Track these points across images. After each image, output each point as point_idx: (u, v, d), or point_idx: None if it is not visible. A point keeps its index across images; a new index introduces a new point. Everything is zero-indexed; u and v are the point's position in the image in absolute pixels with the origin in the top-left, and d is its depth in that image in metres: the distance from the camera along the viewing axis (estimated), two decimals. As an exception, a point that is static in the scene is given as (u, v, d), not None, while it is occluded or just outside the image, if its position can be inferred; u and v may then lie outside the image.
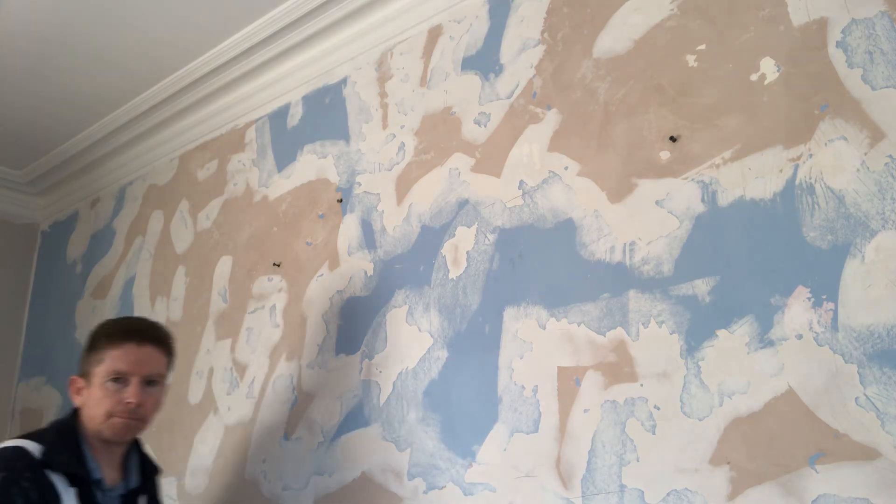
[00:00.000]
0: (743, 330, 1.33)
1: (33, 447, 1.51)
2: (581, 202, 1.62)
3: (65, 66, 2.64)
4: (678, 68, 1.53)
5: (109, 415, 1.56)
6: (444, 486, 1.68)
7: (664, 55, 1.56)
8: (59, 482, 1.48)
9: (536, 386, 1.59)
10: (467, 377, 1.72)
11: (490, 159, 1.83)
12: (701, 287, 1.40)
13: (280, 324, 2.23)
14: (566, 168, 1.67)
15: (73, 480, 1.50)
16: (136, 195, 3.06)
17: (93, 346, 1.64)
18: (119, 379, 1.57)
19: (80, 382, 1.63)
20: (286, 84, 2.48)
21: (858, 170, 1.26)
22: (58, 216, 3.52)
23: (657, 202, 1.50)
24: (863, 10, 1.31)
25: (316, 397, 2.03)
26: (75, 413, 1.63)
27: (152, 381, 1.62)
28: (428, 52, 2.08)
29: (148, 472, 1.72)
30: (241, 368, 2.30)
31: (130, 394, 1.57)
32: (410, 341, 1.86)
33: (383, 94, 2.16)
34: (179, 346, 2.58)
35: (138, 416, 1.59)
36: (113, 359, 1.59)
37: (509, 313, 1.68)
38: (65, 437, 1.57)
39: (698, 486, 1.32)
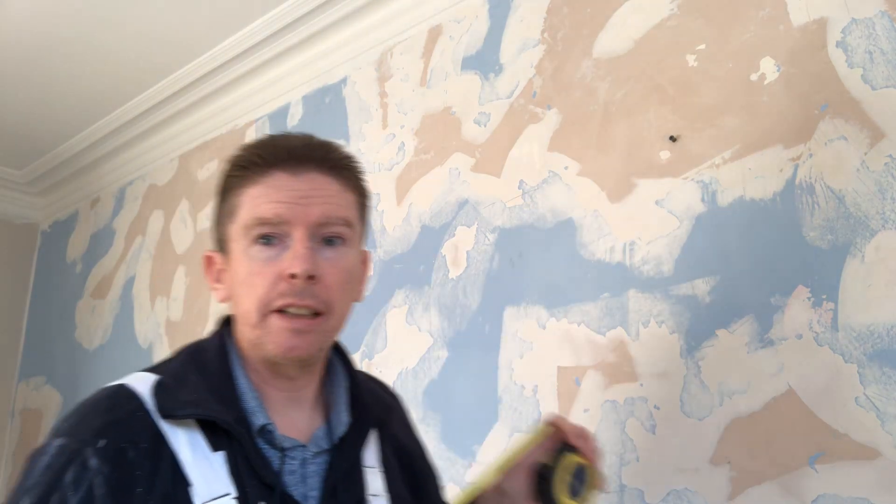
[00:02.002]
0: (743, 330, 1.33)
1: (145, 384, 0.84)
2: (581, 202, 1.62)
3: (65, 66, 2.64)
4: (678, 68, 1.53)
5: (265, 306, 0.85)
6: (444, 486, 1.68)
7: (664, 55, 1.56)
8: (185, 445, 0.80)
9: (536, 386, 1.59)
10: (467, 377, 1.72)
11: (490, 159, 1.83)
12: (701, 287, 1.40)
13: (280, 324, 2.22)
14: (566, 168, 1.67)
15: (220, 438, 0.82)
16: (136, 195, 3.06)
17: (223, 190, 0.92)
18: (270, 237, 0.86)
19: (218, 260, 0.93)
20: (286, 84, 2.48)
21: (858, 170, 1.26)
22: (58, 216, 3.52)
23: (657, 202, 1.50)
24: (863, 10, 1.31)
25: (316, 397, 2.03)
26: (226, 322, 0.94)
27: (333, 238, 0.88)
28: (428, 51, 2.08)
29: (370, 412, 0.95)
30: (241, 368, 2.30)
31: (294, 259, 0.84)
32: (410, 341, 1.86)
33: (383, 94, 2.16)
34: (179, 346, 2.58)
35: (316, 305, 0.85)
36: (254, 200, 0.87)
37: (509, 313, 1.68)
38: (202, 359, 0.89)
39: (698, 486, 1.32)
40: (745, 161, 1.39)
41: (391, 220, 2.01)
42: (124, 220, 3.08)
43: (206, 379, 0.86)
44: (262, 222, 0.85)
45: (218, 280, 0.93)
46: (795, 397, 1.24)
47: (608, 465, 1.44)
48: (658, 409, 1.40)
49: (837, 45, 1.32)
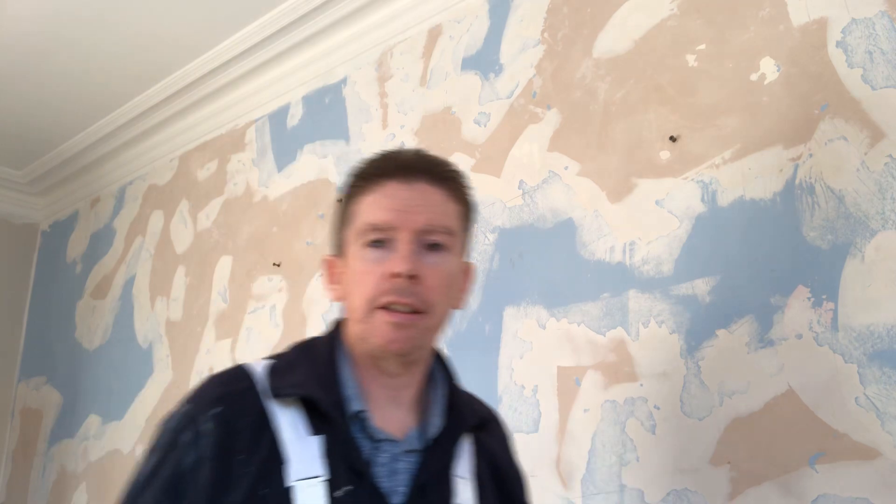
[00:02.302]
0: (743, 330, 1.33)
1: (260, 366, 0.96)
2: (581, 202, 1.62)
3: (65, 66, 2.64)
4: (678, 68, 1.53)
5: (371, 302, 0.93)
6: None
7: (664, 55, 1.56)
8: (287, 425, 0.89)
9: (536, 386, 1.59)
10: (467, 377, 1.72)
11: (490, 159, 1.83)
12: (701, 287, 1.40)
13: (280, 324, 2.22)
14: (566, 168, 1.67)
15: (319, 423, 0.91)
16: (136, 195, 3.06)
17: (344, 198, 1.03)
18: (380, 242, 0.95)
19: (336, 263, 1.02)
20: (286, 84, 2.48)
21: (858, 170, 1.26)
22: (58, 216, 3.51)
23: (657, 202, 1.50)
24: (863, 10, 1.31)
25: (316, 397, 2.03)
26: (337, 324, 1.03)
27: (436, 245, 0.96)
28: (428, 51, 2.08)
29: (464, 420, 1.01)
30: (241, 368, 2.30)
31: (398, 259, 0.93)
32: (410, 341, 1.86)
33: (383, 94, 2.16)
34: (179, 346, 2.59)
35: (416, 304, 0.93)
36: (368, 207, 0.97)
37: (509, 313, 1.68)
38: (313, 351, 0.99)
39: (698, 486, 1.31)
40: (745, 161, 1.39)
41: (391, 220, 2.01)
42: (124, 220, 3.08)
43: (312, 367, 0.96)
44: (374, 227, 0.95)
45: (336, 281, 1.02)
46: (795, 397, 1.24)
47: (608, 464, 1.44)
48: (658, 409, 1.40)
49: (837, 45, 1.32)
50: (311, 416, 0.91)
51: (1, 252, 3.48)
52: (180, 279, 2.68)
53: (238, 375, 0.94)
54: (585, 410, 1.50)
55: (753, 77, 1.42)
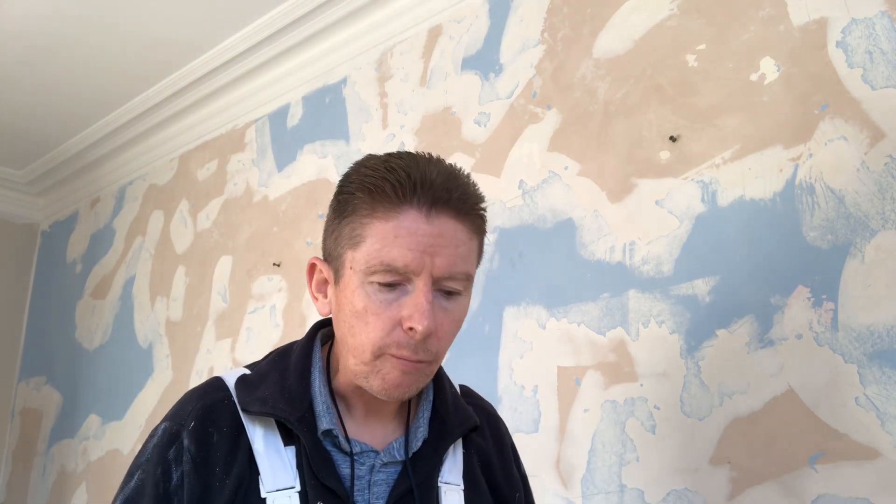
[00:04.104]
0: (743, 330, 1.33)
1: (233, 377, 0.91)
2: (581, 202, 1.62)
3: (65, 66, 2.64)
4: (678, 68, 1.53)
5: (379, 350, 0.84)
6: None
7: (664, 55, 1.56)
8: (259, 438, 0.86)
9: (536, 386, 1.59)
10: (467, 377, 1.72)
11: (490, 159, 1.83)
12: (701, 287, 1.40)
13: (280, 324, 2.22)
14: (566, 168, 1.67)
15: (291, 434, 0.87)
16: (136, 195, 3.06)
17: (345, 208, 0.86)
18: (394, 284, 0.83)
19: (326, 272, 0.90)
20: (286, 84, 2.48)
21: (858, 170, 1.26)
22: (58, 216, 3.52)
23: (657, 202, 1.50)
24: (863, 10, 1.31)
25: (316, 397, 2.03)
26: (316, 329, 0.97)
27: (453, 292, 0.86)
28: (428, 51, 2.08)
29: (450, 429, 0.94)
30: (241, 368, 2.30)
31: (416, 313, 0.82)
32: (410, 341, 1.86)
33: (383, 94, 2.16)
34: (179, 346, 2.59)
35: (428, 358, 0.85)
36: (382, 240, 0.82)
37: (509, 313, 1.68)
38: (286, 360, 0.92)
39: (698, 486, 1.32)
40: (745, 161, 1.39)
41: (391, 220, 2.01)
42: (124, 220, 3.08)
43: (283, 379, 0.90)
44: (389, 269, 0.82)
45: (322, 291, 0.92)
46: (795, 397, 1.24)
47: (608, 464, 1.44)
48: (658, 409, 1.40)
49: (837, 45, 1.32)
50: (284, 428, 0.87)
51: (1, 252, 3.48)
52: (180, 279, 2.68)
53: (213, 387, 0.90)
54: (585, 410, 1.50)
55: (753, 77, 1.42)
